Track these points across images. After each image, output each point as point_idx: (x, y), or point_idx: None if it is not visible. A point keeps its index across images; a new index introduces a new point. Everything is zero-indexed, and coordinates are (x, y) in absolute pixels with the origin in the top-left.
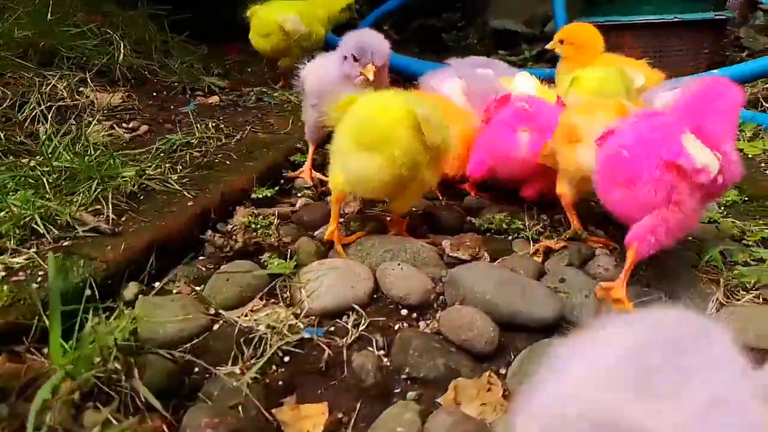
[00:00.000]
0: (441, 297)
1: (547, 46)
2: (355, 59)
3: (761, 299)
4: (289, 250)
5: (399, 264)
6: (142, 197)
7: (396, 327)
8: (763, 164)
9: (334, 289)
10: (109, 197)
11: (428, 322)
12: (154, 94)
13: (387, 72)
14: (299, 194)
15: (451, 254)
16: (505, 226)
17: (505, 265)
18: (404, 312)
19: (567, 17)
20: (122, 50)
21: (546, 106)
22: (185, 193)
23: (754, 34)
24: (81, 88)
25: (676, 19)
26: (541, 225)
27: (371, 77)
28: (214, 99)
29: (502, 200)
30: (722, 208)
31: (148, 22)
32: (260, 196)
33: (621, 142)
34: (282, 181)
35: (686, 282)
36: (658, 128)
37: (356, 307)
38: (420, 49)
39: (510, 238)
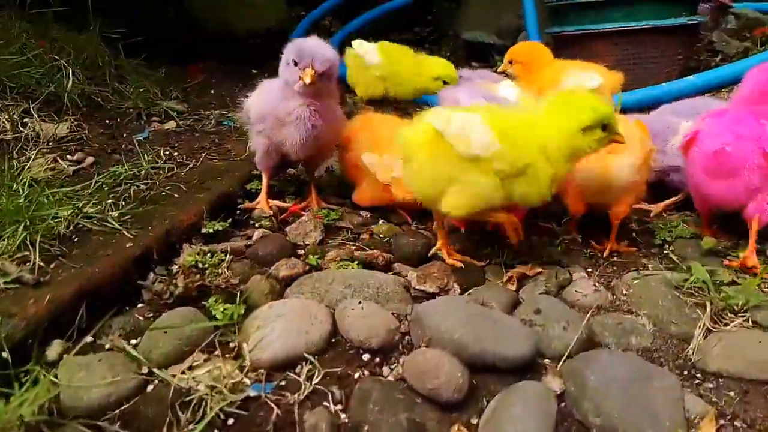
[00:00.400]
0: (407, 337)
1: (498, 69)
2: (296, 64)
3: (751, 322)
4: (239, 292)
5: (359, 302)
6: (76, 239)
7: (356, 375)
8: None
9: (285, 335)
10: (38, 242)
11: (393, 366)
12: (107, 121)
13: (335, 83)
14: (257, 225)
15: (417, 287)
16: (476, 251)
17: (476, 296)
18: (366, 357)
19: (538, 28)
20: (71, 77)
21: None
22: (125, 232)
23: (726, 38)
24: (26, 119)
25: (647, 26)
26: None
27: (308, 80)
28: (171, 124)
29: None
30: None
31: (101, 46)
32: (211, 230)
33: (722, 140)
34: (238, 211)
35: (671, 306)
36: (743, 123)
37: (309, 357)
38: None
39: (483, 264)
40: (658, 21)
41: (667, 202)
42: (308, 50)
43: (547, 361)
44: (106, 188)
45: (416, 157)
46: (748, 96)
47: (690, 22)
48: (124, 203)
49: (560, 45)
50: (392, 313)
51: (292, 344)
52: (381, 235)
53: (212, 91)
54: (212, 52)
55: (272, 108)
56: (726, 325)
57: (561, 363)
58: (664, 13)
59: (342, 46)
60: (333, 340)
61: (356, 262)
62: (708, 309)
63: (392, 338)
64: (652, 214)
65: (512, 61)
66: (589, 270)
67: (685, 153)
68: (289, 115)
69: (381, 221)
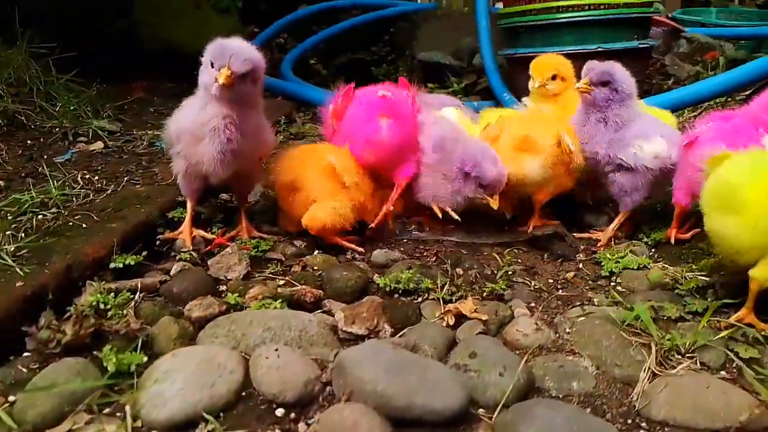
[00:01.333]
0: (329, 387)
1: (537, 85)
2: (212, 65)
3: (698, 363)
4: (145, 337)
5: (276, 349)
6: None
7: None
8: None
9: (186, 390)
10: None
11: (311, 422)
12: (29, 142)
13: (260, 89)
14: (177, 258)
15: (344, 329)
16: (413, 285)
17: (408, 338)
18: (280, 412)
19: (492, 49)
20: None
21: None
22: (17, 269)
23: (678, 62)
24: None
25: (599, 49)
26: (456, 281)
27: (222, 80)
28: (98, 145)
29: (415, 253)
30: (652, 250)
31: (30, 62)
32: (121, 265)
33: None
34: (158, 242)
35: (615, 346)
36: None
37: (208, 416)
38: (349, 82)
39: (419, 300)
40: (609, 44)
41: (612, 226)
42: (227, 49)
43: (481, 411)
44: (10, 217)
45: (751, 205)
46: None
47: (641, 46)
48: (24, 235)
49: (514, 67)
50: (316, 360)
51: (192, 401)
52: (315, 268)
53: (152, 110)
54: (159, 70)
55: (188, 123)
56: (673, 367)
57: (496, 414)
58: (615, 36)
59: (296, 64)
60: (244, 394)
61: (280, 301)
62: (653, 351)
63: (311, 390)
64: (599, 244)
65: (555, 76)
66: (532, 305)
67: (686, 154)
68: (203, 127)
69: (317, 252)
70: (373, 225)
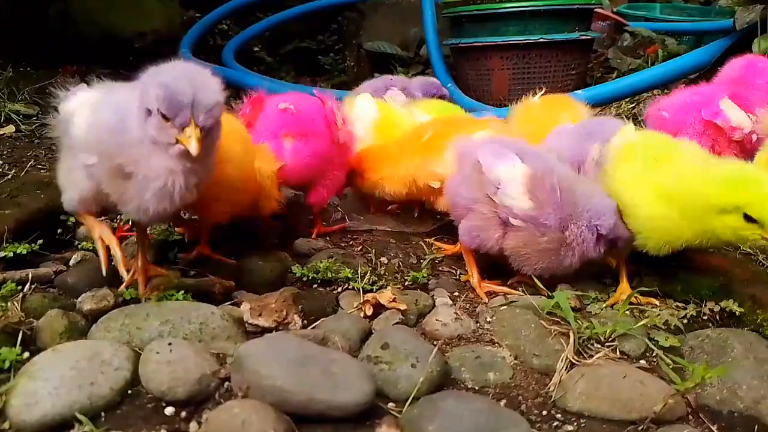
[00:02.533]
0: (228, 383)
1: None
2: (165, 118)
3: (618, 352)
4: (22, 332)
5: (169, 343)
6: None
7: None
8: None
9: (62, 389)
10: None
11: (202, 421)
12: None
13: (219, 130)
14: (80, 246)
15: (251, 321)
16: (332, 275)
17: (320, 330)
18: (169, 411)
19: (437, 40)
20: None
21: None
22: None
23: (621, 55)
24: None
25: (542, 40)
26: (380, 270)
27: (194, 149)
28: (9, 129)
29: (341, 243)
30: None
31: None
32: (11, 254)
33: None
34: (60, 230)
35: (534, 336)
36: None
37: (82, 418)
38: (296, 71)
39: (338, 290)
40: (551, 35)
41: None
42: (185, 97)
43: (391, 405)
44: None
45: None
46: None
47: (582, 38)
48: None
49: (458, 57)
50: (215, 355)
51: (68, 401)
52: (232, 258)
53: None
54: (94, 55)
55: (119, 149)
56: (591, 356)
57: (405, 408)
58: (558, 28)
59: (240, 52)
60: (131, 392)
61: (183, 292)
62: (571, 340)
63: (206, 386)
64: None
65: None
66: (456, 295)
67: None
68: (147, 178)
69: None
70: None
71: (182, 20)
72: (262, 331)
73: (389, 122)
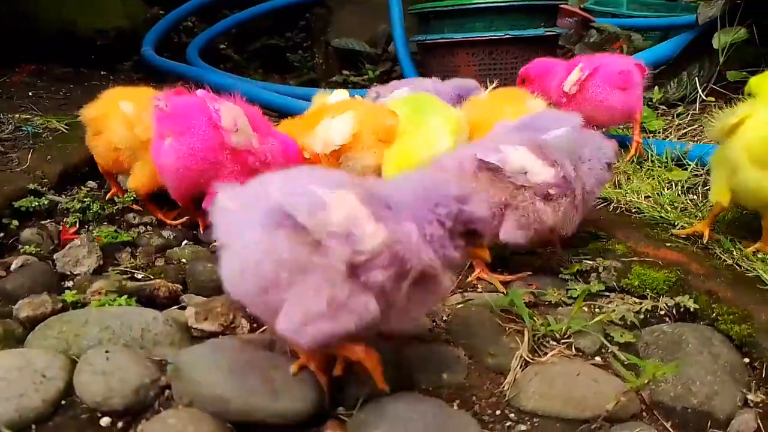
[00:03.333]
0: (169, 391)
1: None
2: None
3: (573, 349)
4: None
5: (106, 351)
6: None
7: None
8: None
9: None
10: None
11: None
12: None
13: None
14: (22, 250)
15: (195, 326)
16: None
17: (267, 334)
18: (105, 422)
19: (405, 36)
20: None
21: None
22: None
23: (587, 51)
24: None
25: (507, 36)
26: None
27: None
28: None
29: None
30: None
31: None
32: None
33: None
34: (1, 234)
35: (489, 334)
36: None
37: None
38: (264, 69)
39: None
40: (517, 31)
41: None
42: None
43: (341, 409)
44: None
45: None
46: None
47: (548, 34)
48: None
49: (425, 53)
50: (159, 362)
51: None
52: (183, 261)
53: (31, 93)
54: (54, 54)
55: None
56: (546, 354)
57: (355, 411)
58: (523, 24)
59: (205, 50)
60: (65, 403)
61: (126, 297)
62: (526, 338)
63: (145, 395)
64: None
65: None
66: None
67: None
68: None
69: (185, 243)
70: None
71: (145, 17)
72: (208, 336)
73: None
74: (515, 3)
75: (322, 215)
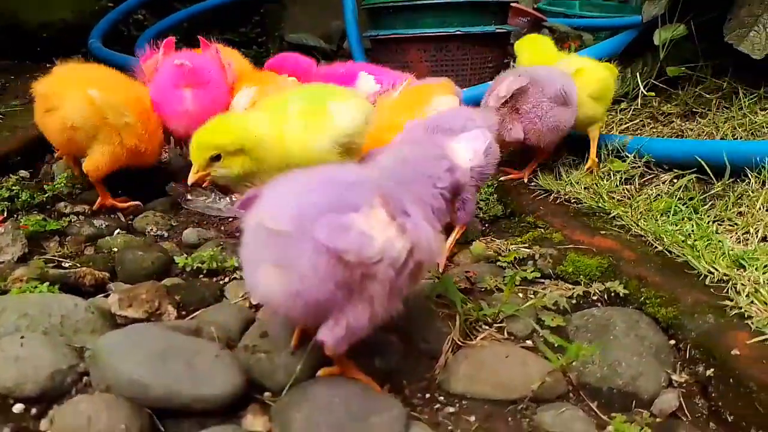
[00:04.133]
0: (87, 378)
1: None
2: None
3: (505, 333)
4: None
5: (22, 337)
6: None
7: None
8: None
9: None
10: None
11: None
12: None
13: None
14: None
15: (119, 313)
16: (217, 264)
17: (193, 321)
18: (18, 408)
19: (358, 32)
20: None
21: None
22: None
23: None
24: None
25: (458, 32)
26: None
27: None
28: None
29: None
30: (486, 225)
31: None
32: None
33: None
34: None
35: (423, 320)
36: None
37: None
38: None
39: (226, 280)
40: (467, 28)
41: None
42: None
43: (267, 394)
44: None
45: None
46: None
47: (499, 31)
48: None
49: (378, 49)
50: (80, 349)
51: None
52: (114, 250)
53: None
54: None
55: None
56: (476, 337)
57: (282, 396)
58: (474, 21)
59: (155, 44)
60: None
61: (48, 284)
62: (457, 322)
63: (61, 382)
64: None
65: None
66: None
67: None
68: None
69: (118, 232)
70: None
71: (94, 9)
72: (132, 322)
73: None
74: (466, 0)
75: (369, 252)
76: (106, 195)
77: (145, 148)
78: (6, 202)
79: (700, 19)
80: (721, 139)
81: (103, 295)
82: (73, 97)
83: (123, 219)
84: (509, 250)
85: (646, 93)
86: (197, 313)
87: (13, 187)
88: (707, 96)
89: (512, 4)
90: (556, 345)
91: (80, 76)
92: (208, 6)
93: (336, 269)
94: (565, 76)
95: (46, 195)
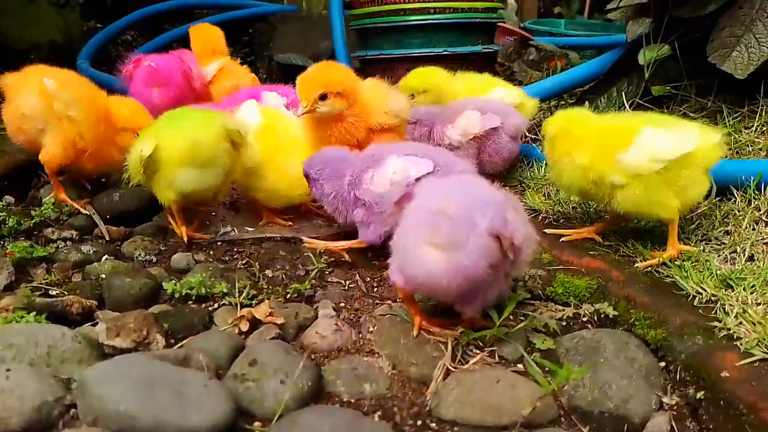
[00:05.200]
0: (74, 410)
1: None
2: None
3: (497, 357)
4: None
5: (7, 369)
6: None
7: None
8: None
9: None
10: None
11: None
12: None
13: None
14: None
15: (106, 342)
16: (206, 290)
17: (181, 350)
18: None
19: (347, 52)
20: None
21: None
22: None
23: (525, 68)
24: None
25: (446, 53)
26: (261, 284)
27: None
28: None
29: (225, 256)
30: None
31: None
32: None
33: None
34: None
35: (413, 344)
36: None
37: None
38: None
39: (215, 306)
40: (454, 48)
41: None
42: None
43: (257, 424)
44: None
45: None
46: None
47: (485, 50)
48: None
49: (367, 69)
50: (66, 380)
51: None
52: (102, 276)
53: None
54: None
55: None
56: (468, 362)
57: (271, 426)
58: (461, 41)
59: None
60: None
61: (35, 313)
62: (449, 346)
63: (48, 414)
64: None
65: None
66: (341, 304)
67: None
68: None
69: (106, 258)
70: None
71: (83, 31)
72: (120, 352)
73: (272, 128)
74: (453, 20)
75: (519, 238)
76: (60, 189)
77: (87, 149)
78: None
79: (683, 39)
80: None
81: (90, 323)
82: (29, 86)
83: (111, 245)
84: None
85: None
86: (186, 341)
87: (0, 213)
88: (692, 115)
89: (499, 24)
90: (546, 368)
91: (44, 72)
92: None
93: (494, 251)
94: (518, 113)
95: (33, 221)
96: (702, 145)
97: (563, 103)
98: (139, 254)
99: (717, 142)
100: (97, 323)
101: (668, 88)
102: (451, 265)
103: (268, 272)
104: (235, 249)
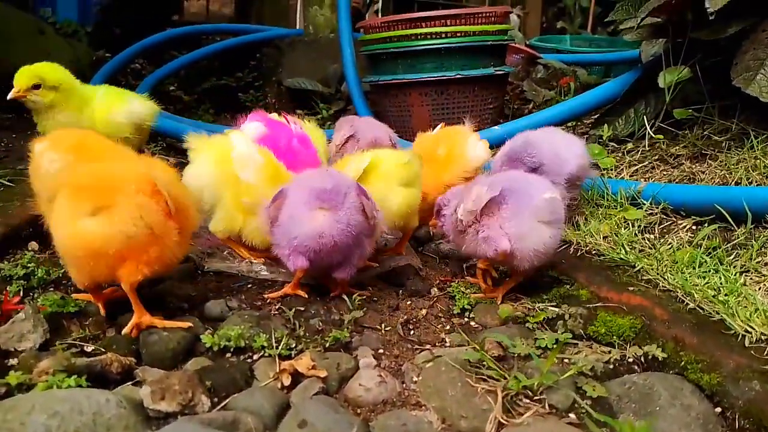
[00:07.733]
0: None
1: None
2: None
3: (547, 406)
4: None
5: None
6: None
7: None
8: None
9: None
10: None
11: None
12: None
13: None
14: None
15: (152, 407)
16: (244, 342)
17: (227, 412)
18: None
19: (357, 76)
20: None
21: None
22: None
23: (535, 87)
24: None
25: (458, 76)
26: (298, 332)
27: None
28: None
29: (257, 301)
30: (507, 278)
31: None
32: None
33: None
34: None
35: (461, 395)
36: None
37: None
38: (215, 109)
39: (254, 358)
40: (467, 71)
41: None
42: None
43: None
44: None
45: None
46: None
47: (498, 72)
48: None
49: (378, 93)
50: None
51: None
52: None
53: None
54: None
55: None
56: (520, 414)
57: None
58: (473, 64)
59: (155, 91)
60: None
61: (76, 376)
62: (499, 398)
63: None
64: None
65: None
66: (381, 351)
67: None
68: None
69: None
70: None
71: (92, 60)
72: (165, 416)
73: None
74: (464, 44)
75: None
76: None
77: None
78: (22, 281)
79: (705, 62)
80: (735, 182)
81: (131, 382)
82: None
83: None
84: (537, 309)
85: (654, 135)
86: (228, 400)
87: (29, 264)
88: (716, 137)
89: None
90: (600, 420)
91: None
92: (205, 52)
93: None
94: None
95: (62, 270)
96: None
97: (579, 124)
98: (171, 301)
99: None
100: (137, 381)
101: (690, 110)
102: (554, 238)
103: (303, 318)
104: (267, 291)
